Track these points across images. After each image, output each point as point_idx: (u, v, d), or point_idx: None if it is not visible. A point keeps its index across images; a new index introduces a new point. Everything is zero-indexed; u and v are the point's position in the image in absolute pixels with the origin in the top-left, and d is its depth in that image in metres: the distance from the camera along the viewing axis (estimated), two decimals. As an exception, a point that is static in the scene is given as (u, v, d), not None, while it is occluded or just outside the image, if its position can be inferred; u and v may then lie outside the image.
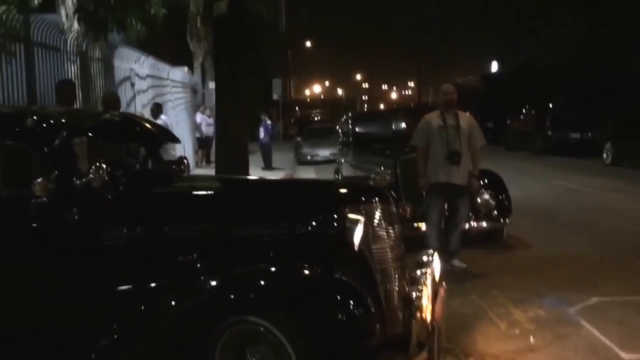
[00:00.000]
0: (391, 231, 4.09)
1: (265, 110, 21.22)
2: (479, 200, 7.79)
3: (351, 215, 3.83)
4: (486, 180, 7.95)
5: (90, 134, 4.18)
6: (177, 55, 21.08)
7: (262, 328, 3.54)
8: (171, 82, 15.90)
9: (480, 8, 41.70)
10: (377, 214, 4.01)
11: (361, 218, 3.82)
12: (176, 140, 5.28)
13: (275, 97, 33.66)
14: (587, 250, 7.82)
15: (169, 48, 21.14)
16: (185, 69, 19.12)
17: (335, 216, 3.85)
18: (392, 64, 70.67)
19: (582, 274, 6.73)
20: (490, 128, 23.65)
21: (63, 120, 4.15)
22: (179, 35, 23.08)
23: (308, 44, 51.76)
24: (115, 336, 3.75)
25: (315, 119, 35.85)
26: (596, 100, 20.98)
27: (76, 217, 3.84)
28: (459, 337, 4.96)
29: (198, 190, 4.46)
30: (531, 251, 7.91)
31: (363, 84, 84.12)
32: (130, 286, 3.79)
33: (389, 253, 4.04)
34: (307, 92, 79.31)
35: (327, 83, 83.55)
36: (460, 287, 6.05)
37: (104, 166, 3.86)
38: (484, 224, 7.88)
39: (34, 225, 3.87)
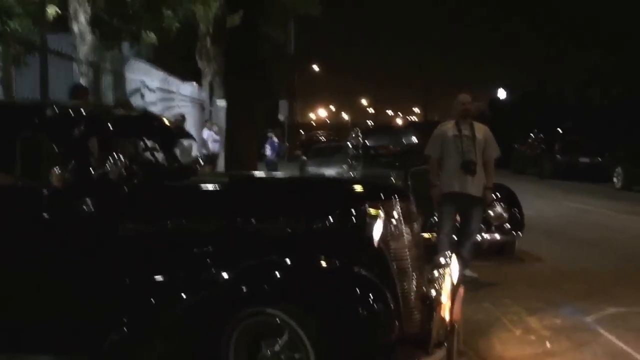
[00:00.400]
0: (410, 230, 4.04)
1: (272, 128, 21.25)
2: (491, 212, 7.70)
3: (371, 211, 3.79)
4: (499, 194, 7.88)
5: (109, 126, 4.17)
6: (185, 74, 21.21)
7: (278, 320, 3.49)
8: (180, 96, 15.98)
9: (487, 37, 42.04)
10: (396, 212, 3.96)
11: (381, 214, 3.79)
12: (191, 137, 5.26)
13: (281, 118, 33.74)
14: (602, 264, 7.74)
15: (177, 66, 21.26)
16: (195, 84, 19.21)
17: (355, 212, 3.81)
18: (398, 89, 71.05)
19: (598, 286, 6.66)
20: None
21: (82, 112, 4.14)
22: (187, 54, 23.23)
23: (315, 67, 52.11)
24: (130, 326, 3.72)
25: (321, 139, 35.84)
26: (606, 124, 20.97)
27: (92, 208, 3.81)
28: (474, 341, 4.89)
29: (215, 185, 4.43)
30: (544, 264, 7.83)
31: (368, 109, 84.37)
32: (145, 276, 3.76)
33: (407, 251, 3.99)
34: (313, 116, 79.58)
35: (332, 107, 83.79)
36: (472, 295, 5.92)
37: (122, 158, 3.85)
38: (496, 236, 7.79)
39: (50, 215, 3.83)
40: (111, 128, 4.16)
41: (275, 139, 20.59)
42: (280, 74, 39.34)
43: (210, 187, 4.30)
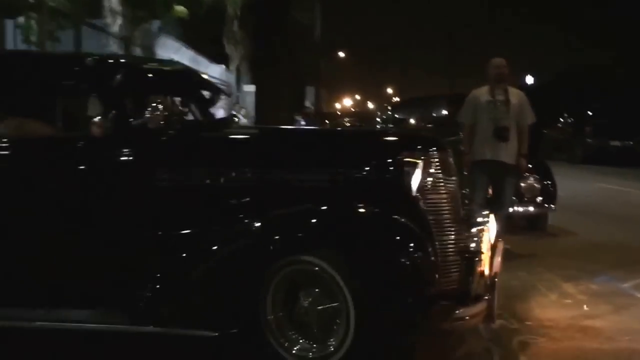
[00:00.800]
0: (448, 182, 3.99)
1: (300, 112, 21.31)
2: (522, 184, 7.58)
3: (408, 161, 3.77)
4: (530, 165, 7.73)
5: (148, 77, 4.18)
6: (212, 58, 21.27)
7: (317, 268, 3.48)
8: (209, 77, 16.04)
9: (512, 23, 41.65)
10: (435, 164, 3.91)
11: (419, 162, 3.76)
12: (226, 94, 5.28)
13: (307, 104, 33.79)
14: (636, 238, 7.61)
15: (205, 49, 21.34)
16: (223, 66, 19.28)
17: (392, 161, 3.79)
18: (424, 77, 70.49)
19: (632, 256, 6.56)
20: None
21: (122, 62, 4.15)
22: (215, 37, 23.31)
23: (341, 54, 52.00)
24: (166, 279, 3.71)
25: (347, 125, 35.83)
26: (636, 106, 20.50)
27: (131, 157, 3.82)
28: (510, 305, 4.82)
29: (254, 136, 4.43)
30: (577, 238, 7.74)
31: (394, 98, 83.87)
32: (182, 227, 3.76)
33: (445, 203, 3.94)
34: (338, 106, 79.39)
35: (357, 97, 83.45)
36: (505, 264, 5.81)
37: (161, 108, 3.86)
38: (528, 208, 7.68)
39: (89, 164, 3.84)
40: (150, 79, 4.18)
41: (303, 122, 20.63)
42: (307, 60, 39.33)
43: (247, 138, 4.30)
